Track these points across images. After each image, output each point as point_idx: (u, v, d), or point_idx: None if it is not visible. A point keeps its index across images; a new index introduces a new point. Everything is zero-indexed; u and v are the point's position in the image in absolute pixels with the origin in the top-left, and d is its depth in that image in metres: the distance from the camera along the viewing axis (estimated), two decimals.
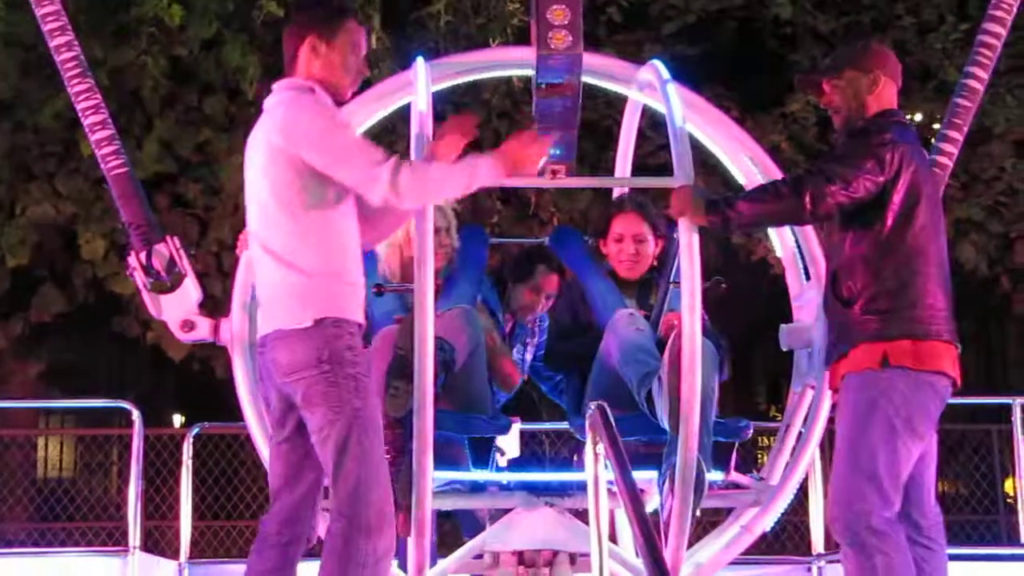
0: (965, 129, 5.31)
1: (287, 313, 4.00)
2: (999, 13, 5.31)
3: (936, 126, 11.60)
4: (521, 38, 9.17)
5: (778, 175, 5.29)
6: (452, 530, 6.19)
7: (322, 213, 4.02)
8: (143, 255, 4.95)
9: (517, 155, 4.19)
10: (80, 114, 4.92)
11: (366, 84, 8.23)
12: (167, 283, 5.02)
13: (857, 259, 4.41)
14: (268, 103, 4.18)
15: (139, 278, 5.00)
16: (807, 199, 4.32)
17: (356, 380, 3.96)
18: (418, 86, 4.76)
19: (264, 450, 4.81)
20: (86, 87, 4.91)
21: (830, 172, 4.35)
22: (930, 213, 4.44)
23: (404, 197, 3.98)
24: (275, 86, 4.19)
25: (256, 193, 4.10)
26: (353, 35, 4.20)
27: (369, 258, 4.84)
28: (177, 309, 5.04)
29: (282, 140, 3.99)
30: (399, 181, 3.92)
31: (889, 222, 4.37)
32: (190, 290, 5.08)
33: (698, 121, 5.32)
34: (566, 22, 4.20)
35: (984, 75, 5.29)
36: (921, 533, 4.42)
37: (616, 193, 6.00)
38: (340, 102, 4.28)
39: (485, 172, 4.12)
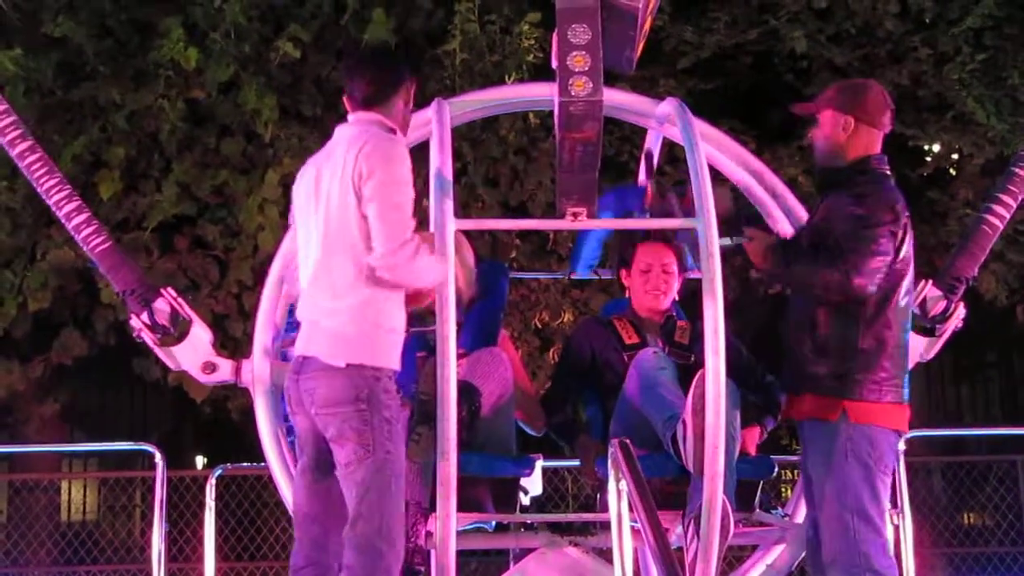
0: (1020, 196, 5.33)
1: (330, 349, 4.11)
2: None
3: (955, 156, 11.64)
4: (536, 75, 9.20)
5: (797, 206, 5.30)
6: (477, 569, 6.17)
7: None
8: (144, 315, 5.01)
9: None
10: (54, 207, 5.08)
11: None
12: (175, 334, 5.09)
13: (840, 315, 4.51)
14: (347, 133, 4.29)
15: (147, 337, 5.07)
16: (854, 279, 4.39)
17: (390, 424, 4.09)
18: (436, 128, 4.77)
19: (287, 491, 4.81)
20: (55, 182, 5.07)
21: (871, 247, 4.41)
22: (912, 279, 4.60)
23: (397, 277, 4.14)
24: (354, 118, 4.33)
25: (318, 220, 4.22)
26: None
27: None
28: (193, 355, 5.09)
29: (355, 171, 4.11)
30: (410, 265, 4.10)
31: (881, 286, 4.46)
32: (200, 334, 5.13)
33: (716, 154, 5.33)
34: (586, 68, 4.23)
35: None
36: None
37: None
38: None
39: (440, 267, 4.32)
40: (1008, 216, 5.33)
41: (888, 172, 4.69)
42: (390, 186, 4.11)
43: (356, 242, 4.14)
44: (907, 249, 4.53)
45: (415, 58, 9.54)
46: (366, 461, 4.04)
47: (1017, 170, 5.34)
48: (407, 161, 4.18)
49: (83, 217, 5.07)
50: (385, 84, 4.34)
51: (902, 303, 4.55)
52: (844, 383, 4.50)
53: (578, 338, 5.76)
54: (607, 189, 5.29)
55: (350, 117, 4.38)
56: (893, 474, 4.50)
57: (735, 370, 4.77)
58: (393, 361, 4.19)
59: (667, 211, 5.08)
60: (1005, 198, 5.33)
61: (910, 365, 5.06)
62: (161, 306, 5.08)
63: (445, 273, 4.36)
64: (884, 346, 4.50)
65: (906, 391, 4.58)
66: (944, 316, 5.17)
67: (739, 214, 4.97)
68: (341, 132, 4.35)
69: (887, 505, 4.51)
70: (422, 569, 4.66)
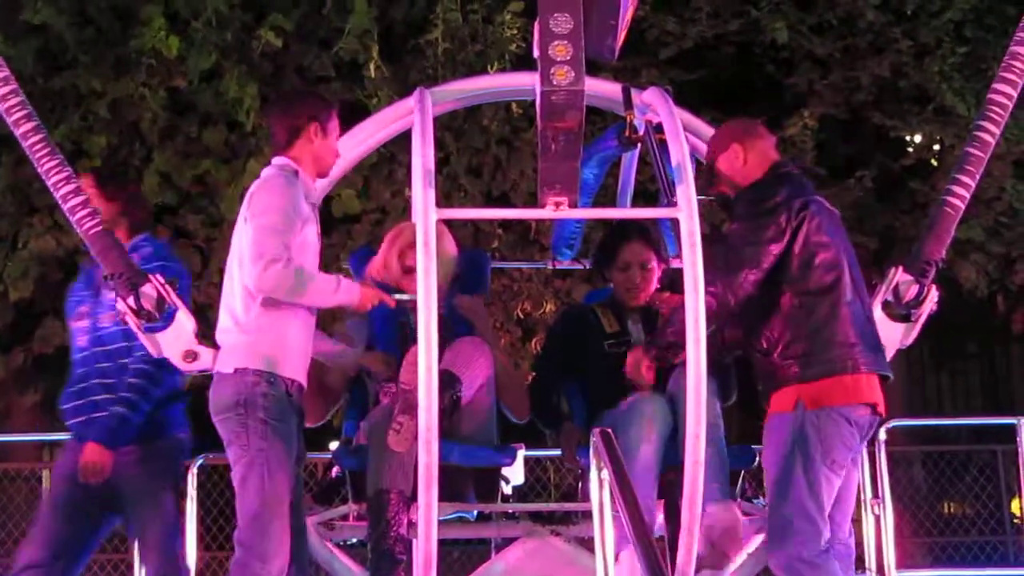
0: (977, 177, 5.39)
1: (222, 359, 4.54)
2: (1011, 76, 5.44)
3: (936, 147, 11.68)
4: (519, 65, 9.19)
5: None
6: (459, 558, 6.18)
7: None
8: (131, 300, 5.03)
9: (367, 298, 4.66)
10: (52, 188, 5.15)
11: (365, 112, 8.31)
12: (160, 321, 5.11)
13: (770, 310, 4.65)
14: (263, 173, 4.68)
15: (132, 322, 5.08)
16: (729, 297, 4.59)
17: (265, 424, 4.36)
18: (418, 117, 4.77)
19: None
20: (57, 162, 5.15)
21: (737, 261, 4.61)
22: (835, 255, 4.68)
23: (270, 294, 4.43)
24: (272, 161, 4.71)
25: (231, 252, 4.62)
26: (337, 123, 4.80)
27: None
28: (176, 343, 5.10)
29: (244, 206, 4.51)
30: (270, 281, 4.37)
31: (795, 273, 4.63)
32: (184, 322, 5.13)
33: (698, 144, 5.34)
34: (568, 58, 4.22)
35: (996, 130, 5.43)
36: None
37: None
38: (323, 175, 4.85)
39: (345, 291, 4.58)
40: (967, 195, 5.37)
41: (783, 172, 4.85)
42: (261, 212, 4.44)
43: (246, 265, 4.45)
44: (810, 228, 4.64)
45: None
46: (242, 460, 4.38)
47: (971, 150, 5.40)
48: (289, 192, 4.50)
49: (79, 200, 5.11)
50: (286, 130, 4.68)
51: (827, 278, 4.63)
52: (795, 370, 4.60)
53: (560, 327, 5.76)
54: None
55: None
56: (874, 461, 4.53)
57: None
58: (278, 367, 4.46)
59: (644, 145, 5.11)
60: (963, 178, 5.39)
61: (889, 350, 5.09)
62: (148, 291, 5.09)
63: (353, 296, 4.61)
64: (823, 323, 4.59)
65: (865, 361, 4.62)
66: (918, 300, 5.20)
67: None
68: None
69: (829, 496, 4.52)
70: (403, 558, 4.68)
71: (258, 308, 4.46)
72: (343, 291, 4.57)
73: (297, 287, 4.43)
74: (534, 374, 6.13)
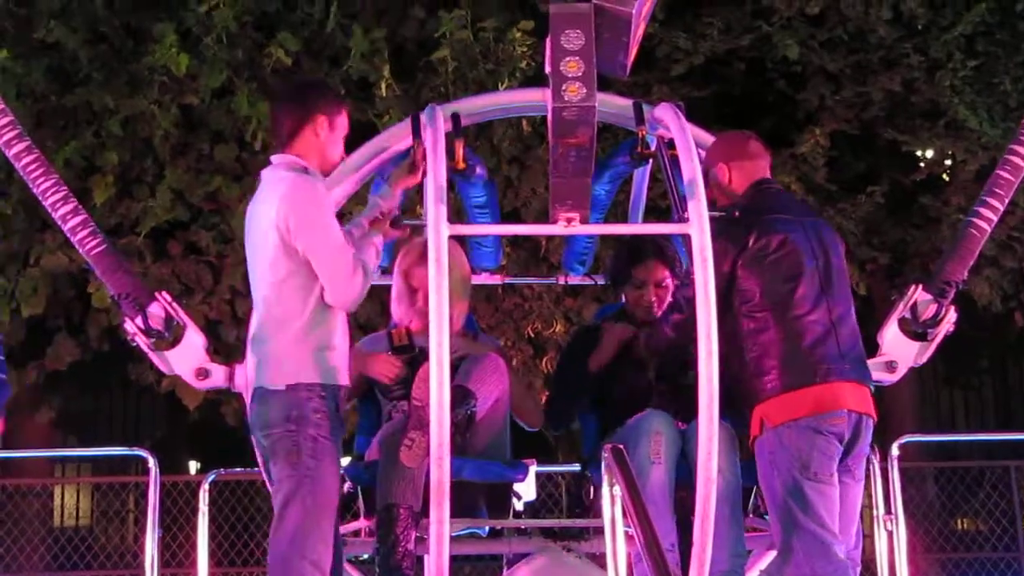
0: (1007, 200, 5.38)
1: (268, 374, 4.34)
2: None
3: (948, 162, 11.66)
4: (529, 83, 9.20)
5: None
6: (471, 574, 6.17)
7: (310, 283, 4.38)
8: (139, 320, 5.02)
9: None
10: (50, 209, 5.10)
11: (374, 130, 8.32)
12: (169, 339, 5.10)
13: (730, 337, 4.61)
14: (267, 176, 4.54)
15: (141, 341, 5.08)
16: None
17: (316, 441, 4.27)
18: (430, 134, 4.77)
19: None
20: (52, 183, 5.07)
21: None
22: (788, 268, 4.67)
23: (357, 303, 4.47)
24: (274, 160, 4.55)
25: (256, 259, 4.47)
26: (347, 120, 4.67)
27: None
28: (186, 360, 5.10)
29: (280, 220, 4.33)
30: (360, 293, 4.39)
31: (737, 299, 4.66)
32: (194, 339, 5.13)
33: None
34: (580, 74, 4.23)
35: None
36: None
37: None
38: (325, 173, 4.70)
39: (380, 244, 4.70)
40: (995, 219, 5.36)
41: (771, 188, 4.93)
42: (318, 235, 4.35)
43: (284, 277, 4.37)
44: (757, 246, 4.67)
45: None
46: (291, 479, 4.26)
47: (1003, 173, 5.37)
48: (324, 196, 4.46)
49: (79, 219, 5.08)
50: (291, 121, 4.55)
51: (783, 288, 4.64)
52: (755, 388, 4.62)
53: (573, 347, 5.76)
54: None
55: (271, 162, 4.61)
56: (887, 477, 4.51)
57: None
58: (328, 376, 4.38)
59: (655, 161, 5.12)
60: (992, 201, 5.37)
61: (903, 368, 5.07)
62: (156, 310, 5.09)
63: (380, 245, 4.70)
64: (777, 339, 4.59)
65: (829, 369, 4.58)
66: (935, 320, 5.18)
67: None
68: (264, 175, 4.58)
69: (826, 507, 4.49)
70: (411, 574, 4.67)
71: (306, 317, 4.36)
72: (379, 246, 4.69)
73: (368, 283, 4.44)
74: (548, 396, 6.13)
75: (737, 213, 4.76)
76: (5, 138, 5.11)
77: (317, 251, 4.33)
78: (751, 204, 4.82)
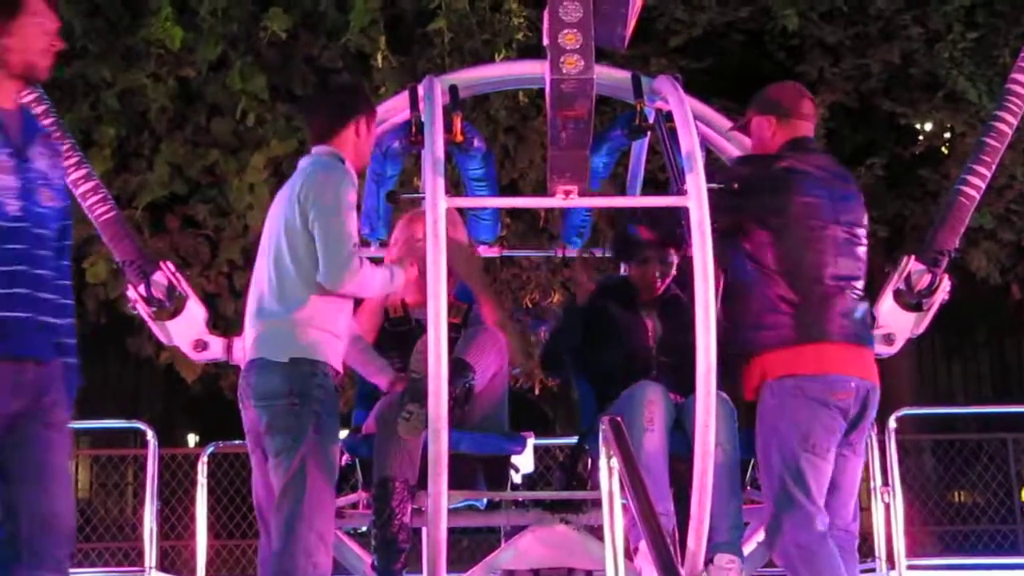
0: (993, 167, 5.37)
1: (270, 347, 4.34)
2: None
3: (947, 135, 11.65)
4: (525, 54, 9.17)
5: None
6: (469, 546, 6.19)
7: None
8: (141, 287, 5.02)
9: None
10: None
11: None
12: (170, 308, 5.10)
13: (734, 287, 4.67)
14: (304, 163, 4.61)
15: (142, 310, 5.09)
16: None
17: (319, 417, 4.30)
18: (427, 106, 4.76)
19: None
20: (66, 147, 5.05)
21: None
22: (807, 227, 4.62)
23: (342, 291, 4.43)
24: (314, 151, 4.64)
25: (272, 234, 4.50)
26: (376, 128, 4.84)
27: None
28: (186, 331, 5.11)
29: (302, 194, 4.39)
30: (352, 281, 4.38)
31: (748, 249, 4.63)
32: (195, 310, 5.14)
33: (708, 132, 5.33)
34: (578, 46, 4.22)
35: (1014, 120, 5.44)
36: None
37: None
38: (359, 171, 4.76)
39: (398, 278, 4.68)
40: (983, 186, 5.37)
41: (799, 145, 4.83)
42: (329, 213, 4.38)
43: (302, 257, 4.39)
44: (792, 197, 4.62)
45: (406, 39, 9.55)
46: (295, 451, 4.25)
47: (989, 140, 5.38)
48: (349, 187, 4.48)
49: (90, 185, 5.10)
50: (334, 120, 4.64)
51: (800, 246, 4.60)
52: (751, 342, 4.61)
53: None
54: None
55: (311, 152, 4.71)
56: (884, 449, 4.49)
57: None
58: (331, 359, 4.42)
59: (653, 133, 5.10)
60: (979, 168, 5.38)
61: (900, 339, 5.07)
62: (159, 279, 5.09)
63: (399, 282, 4.68)
64: (777, 296, 4.57)
65: (828, 329, 4.56)
66: (930, 290, 5.18)
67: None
68: (301, 163, 4.66)
69: (816, 480, 4.48)
70: (407, 546, 4.68)
71: (314, 298, 4.39)
72: (396, 278, 4.67)
73: (367, 283, 4.47)
74: (549, 338, 6.12)
75: (736, 186, 4.73)
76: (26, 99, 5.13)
77: (321, 226, 4.36)
78: (785, 158, 4.76)
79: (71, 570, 3.61)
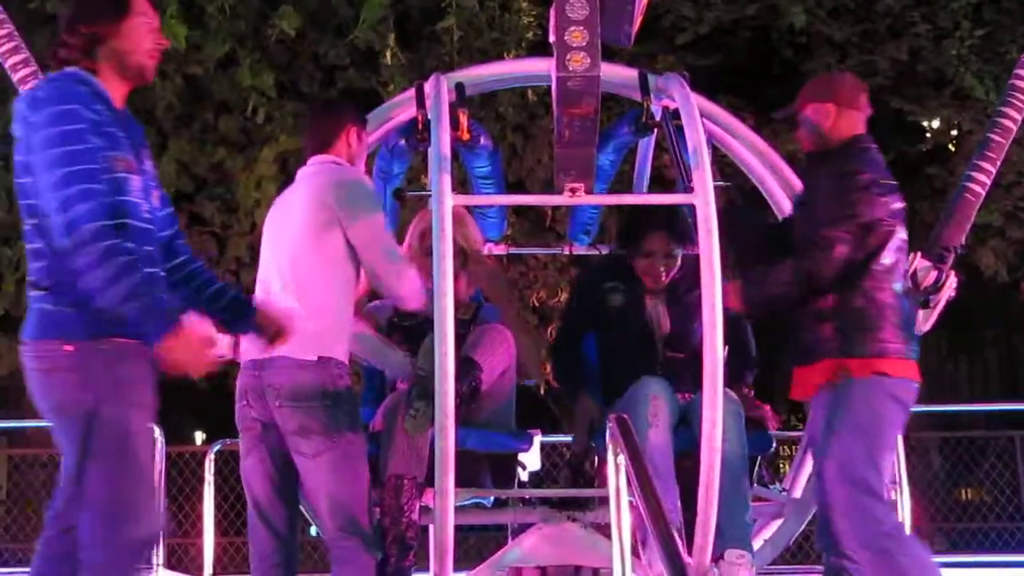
0: (998, 162, 5.38)
1: (297, 345, 4.26)
2: None
3: (954, 132, 11.63)
4: (534, 52, 9.17)
5: (796, 182, 5.29)
6: (476, 544, 6.18)
7: (347, 267, 4.46)
8: None
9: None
10: None
11: (378, 99, 8.30)
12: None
13: (842, 282, 4.57)
14: (308, 171, 4.67)
15: None
16: (827, 273, 4.53)
17: (351, 418, 4.37)
18: (434, 103, 4.76)
19: None
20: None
21: (830, 240, 4.52)
22: (899, 236, 4.68)
23: (405, 294, 4.52)
24: (315, 160, 4.69)
25: (293, 238, 4.50)
26: (368, 139, 4.94)
27: None
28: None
29: (333, 199, 4.44)
30: (409, 287, 4.48)
31: (865, 253, 4.57)
32: None
33: (715, 130, 5.32)
34: (584, 44, 4.22)
35: (1018, 116, 5.46)
36: None
37: None
38: None
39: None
40: (988, 182, 5.37)
41: (871, 147, 4.79)
42: (376, 223, 4.46)
43: (331, 258, 4.43)
44: (892, 210, 4.62)
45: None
46: (331, 451, 4.31)
47: (993, 136, 5.39)
48: (374, 192, 4.74)
49: None
50: (326, 131, 4.72)
51: (886, 261, 4.61)
52: (846, 343, 4.55)
53: (586, 278, 5.76)
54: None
55: (309, 162, 4.75)
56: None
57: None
58: (346, 356, 4.48)
59: (660, 131, 5.10)
60: (984, 164, 5.38)
61: None
62: None
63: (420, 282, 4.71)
64: (878, 304, 4.56)
65: (909, 349, 4.61)
66: (936, 286, 5.18)
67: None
68: (302, 172, 4.72)
69: (889, 471, 4.53)
70: (415, 544, 4.68)
71: (336, 298, 4.44)
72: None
73: (417, 286, 4.50)
74: (559, 328, 6.11)
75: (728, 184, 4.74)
76: (20, 75, 5.16)
77: (372, 234, 4.44)
78: (871, 159, 4.73)
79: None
